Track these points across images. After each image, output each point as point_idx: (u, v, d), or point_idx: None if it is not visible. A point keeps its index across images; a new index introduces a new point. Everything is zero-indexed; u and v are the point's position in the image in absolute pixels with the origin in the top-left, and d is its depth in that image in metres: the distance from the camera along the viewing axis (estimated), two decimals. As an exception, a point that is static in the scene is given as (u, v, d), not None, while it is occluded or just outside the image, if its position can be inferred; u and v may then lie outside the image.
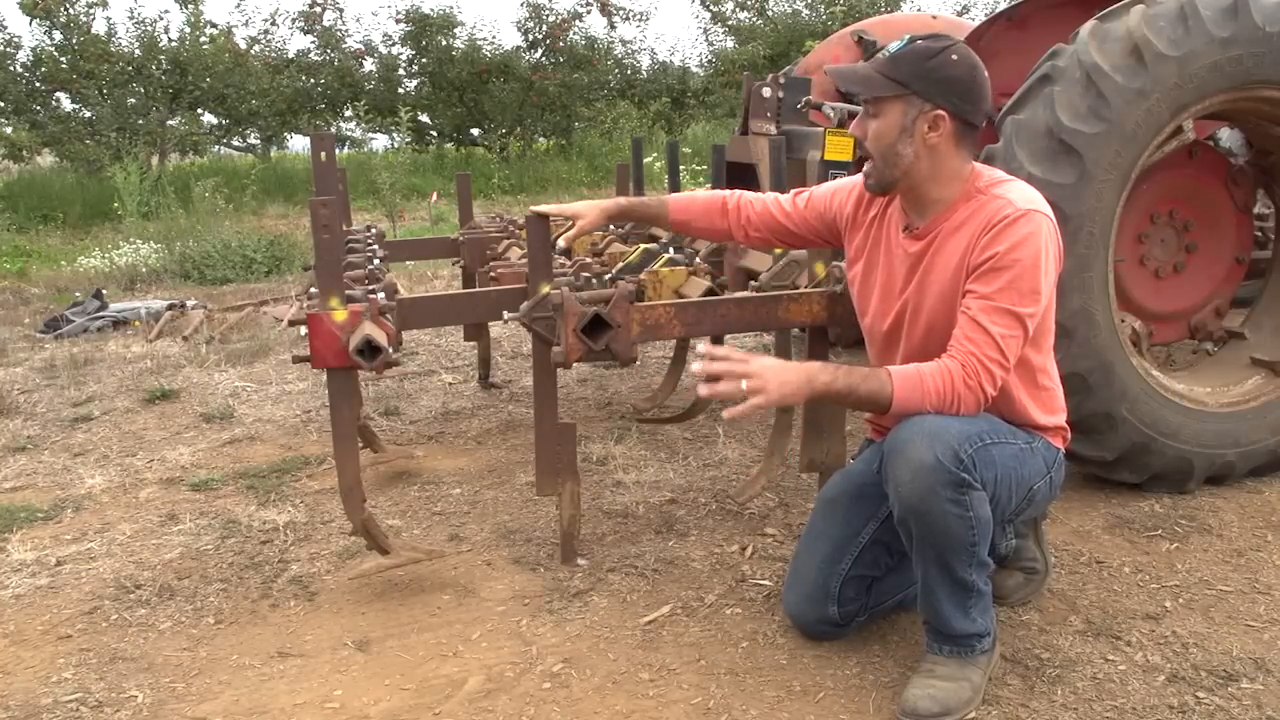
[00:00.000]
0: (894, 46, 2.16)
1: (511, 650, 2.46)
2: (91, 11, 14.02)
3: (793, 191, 2.65)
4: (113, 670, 2.43)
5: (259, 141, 16.91)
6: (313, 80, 15.80)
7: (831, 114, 4.02)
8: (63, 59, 13.82)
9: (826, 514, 2.48)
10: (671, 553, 2.95)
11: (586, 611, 2.63)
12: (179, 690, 2.35)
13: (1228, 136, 3.88)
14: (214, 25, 15.17)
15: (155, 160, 14.17)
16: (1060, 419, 2.34)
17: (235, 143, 17.06)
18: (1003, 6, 3.80)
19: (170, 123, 14.65)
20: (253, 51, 15.42)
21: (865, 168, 2.27)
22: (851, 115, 4.23)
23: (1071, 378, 2.86)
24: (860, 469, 2.52)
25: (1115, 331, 3.05)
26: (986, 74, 2.18)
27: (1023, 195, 2.15)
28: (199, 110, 15.18)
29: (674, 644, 2.47)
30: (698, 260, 3.29)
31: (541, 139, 17.29)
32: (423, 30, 15.74)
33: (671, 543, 3.02)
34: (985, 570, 2.18)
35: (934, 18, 5.09)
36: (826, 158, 3.55)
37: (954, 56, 2.13)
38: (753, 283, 3.05)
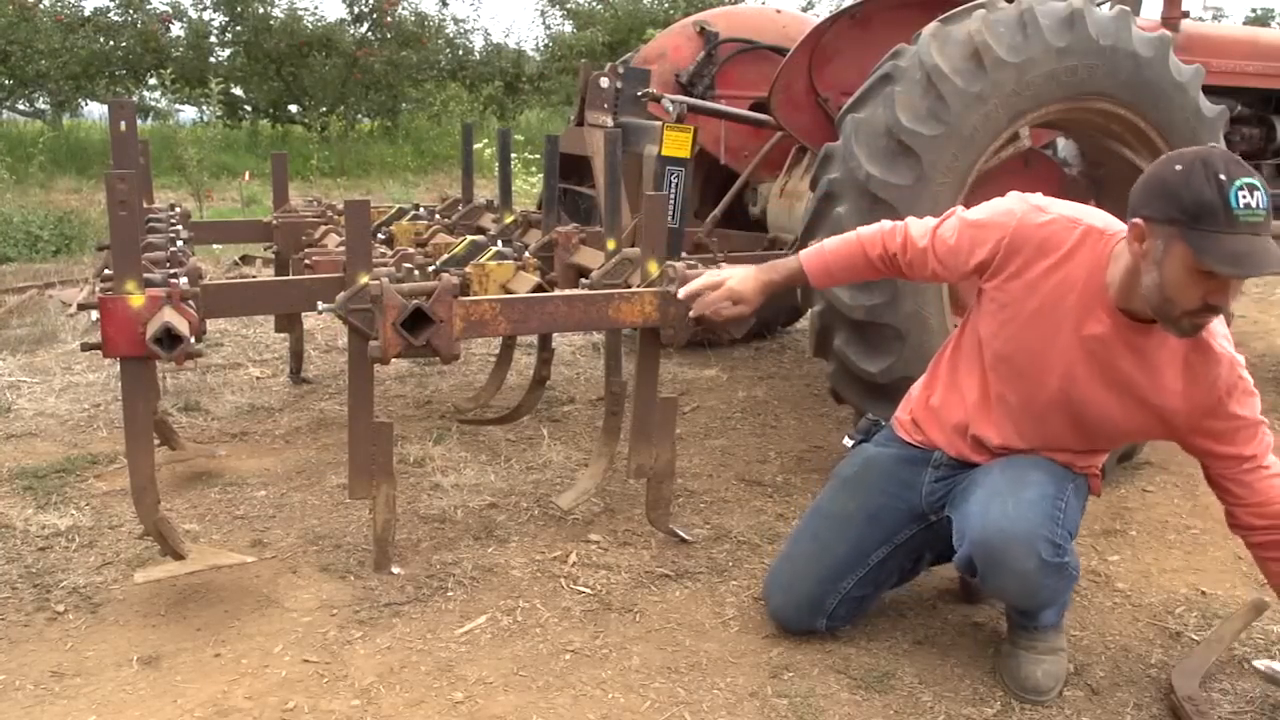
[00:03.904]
0: (1260, 201, 1.91)
1: (318, 665, 2.32)
2: None
3: (931, 229, 2.38)
4: None
5: (49, 107, 15.68)
6: (112, 43, 14.74)
7: (671, 108, 3.99)
8: None
9: (836, 526, 2.43)
10: (490, 560, 2.85)
11: (399, 622, 2.51)
12: (-70, 720, 2.10)
13: (1063, 146, 4.04)
14: (-6, -27, 13.95)
15: (-75, 120, 12.96)
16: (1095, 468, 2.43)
17: (21, 106, 15.78)
18: (846, 4, 3.83)
19: (-58, 79, 13.42)
20: (42, 6, 14.25)
21: (1206, 320, 2.07)
22: (692, 109, 4.23)
23: (905, 381, 2.89)
24: (878, 483, 2.46)
25: (948, 335, 3.12)
26: None
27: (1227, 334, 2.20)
28: (-24, 68, 13.96)
29: (491, 656, 2.38)
30: (527, 255, 3.20)
31: (365, 119, 16.70)
32: (238, -6, 14.93)
33: (491, 549, 2.92)
34: (1075, 572, 2.28)
35: (778, 12, 5.13)
36: (664, 154, 3.51)
37: None
38: (583, 280, 2.99)
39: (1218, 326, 2.15)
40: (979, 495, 2.23)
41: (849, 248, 2.47)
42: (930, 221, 2.39)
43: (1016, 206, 2.25)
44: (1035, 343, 2.22)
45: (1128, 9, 3.26)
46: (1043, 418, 2.28)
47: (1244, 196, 1.87)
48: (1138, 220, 1.99)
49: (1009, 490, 2.19)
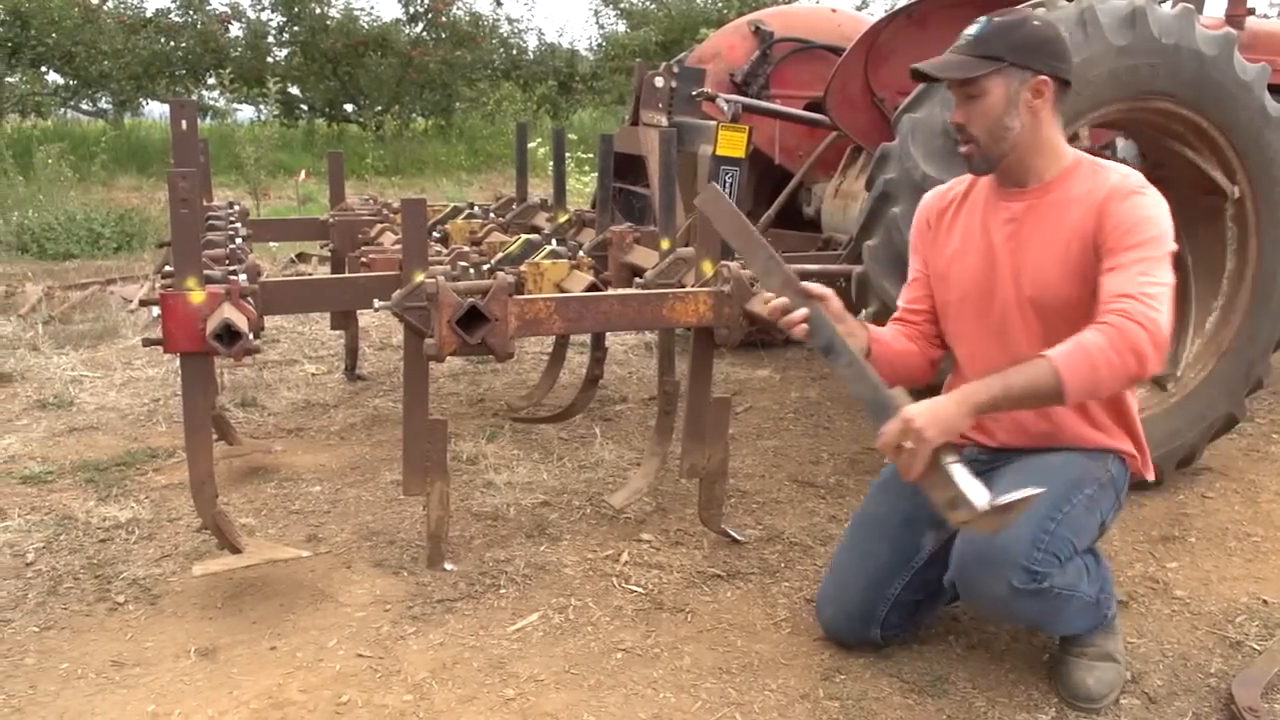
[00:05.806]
0: (974, 30, 2.18)
1: (371, 660, 2.34)
2: (-81, -44, 12.97)
3: (904, 303, 2.45)
4: (-79, 683, 2.21)
5: (111, 106, 15.95)
6: (172, 43, 14.98)
7: (725, 107, 3.97)
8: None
9: (875, 532, 2.41)
10: (543, 558, 2.86)
11: (452, 619, 2.53)
12: (-2, 705, 2.14)
13: (1123, 147, 3.96)
14: (60, -24, 14.21)
15: (-9, 120, 13.26)
16: (1130, 442, 2.31)
17: (84, 106, 16.09)
18: (902, 2, 3.80)
19: (9, 80, 13.67)
20: (105, 8, 14.54)
21: (965, 150, 2.22)
22: (747, 109, 4.21)
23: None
24: (909, 487, 2.29)
25: None
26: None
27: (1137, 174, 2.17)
28: (43, 68, 14.22)
29: (543, 654, 2.38)
30: (581, 254, 3.20)
31: (420, 118, 16.82)
32: (295, -5, 15.12)
33: (543, 547, 2.93)
34: (1099, 575, 2.23)
35: (833, 11, 5.11)
36: (719, 153, 3.49)
37: (1036, 23, 2.18)
38: (637, 279, 2.98)
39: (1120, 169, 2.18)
40: None
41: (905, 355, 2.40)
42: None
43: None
44: (976, 267, 2.28)
45: (1191, 6, 3.19)
46: (1002, 330, 2.25)
47: (969, 30, 2.18)
48: None
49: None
